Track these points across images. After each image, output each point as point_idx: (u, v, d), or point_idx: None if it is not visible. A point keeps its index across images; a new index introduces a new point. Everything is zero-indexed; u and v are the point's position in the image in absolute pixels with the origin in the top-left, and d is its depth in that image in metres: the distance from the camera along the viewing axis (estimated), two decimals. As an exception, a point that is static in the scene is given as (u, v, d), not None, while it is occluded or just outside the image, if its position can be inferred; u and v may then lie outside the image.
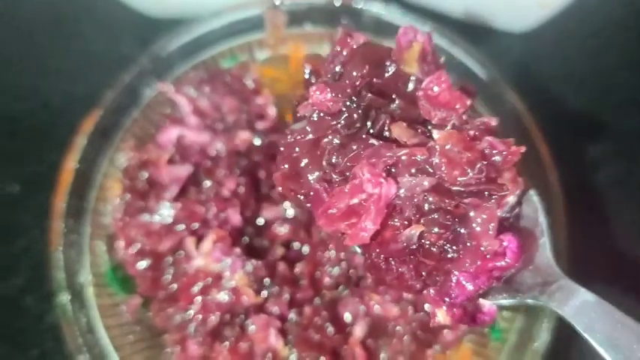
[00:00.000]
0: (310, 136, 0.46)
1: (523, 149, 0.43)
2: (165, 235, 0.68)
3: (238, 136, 0.74)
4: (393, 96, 0.46)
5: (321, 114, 0.46)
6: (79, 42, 0.99)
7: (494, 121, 0.45)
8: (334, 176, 0.45)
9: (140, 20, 0.96)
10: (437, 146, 0.42)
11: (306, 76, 0.50)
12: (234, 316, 0.67)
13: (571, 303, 0.42)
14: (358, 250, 0.50)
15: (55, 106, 0.95)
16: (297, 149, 0.46)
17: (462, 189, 0.42)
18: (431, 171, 0.42)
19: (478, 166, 0.42)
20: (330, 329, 0.69)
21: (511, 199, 0.45)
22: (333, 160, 0.45)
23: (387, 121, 0.45)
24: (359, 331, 0.68)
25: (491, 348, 0.67)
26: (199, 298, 0.66)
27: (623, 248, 0.84)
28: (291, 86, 0.79)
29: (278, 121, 0.78)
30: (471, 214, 0.42)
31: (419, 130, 0.44)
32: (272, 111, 0.78)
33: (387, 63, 0.46)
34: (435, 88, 0.43)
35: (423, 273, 0.44)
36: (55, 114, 0.94)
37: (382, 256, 0.44)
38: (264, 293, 0.68)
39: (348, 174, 0.44)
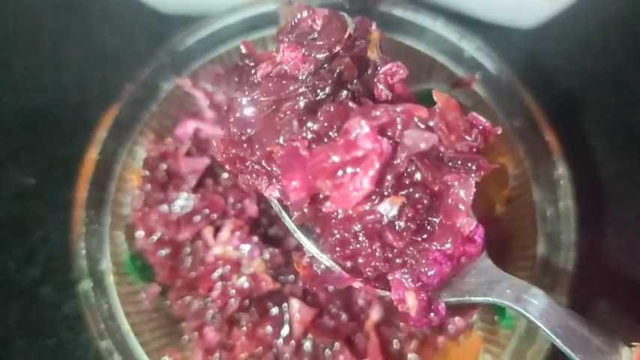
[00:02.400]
0: (271, 97, 0.42)
1: (500, 130, 0.43)
2: (184, 225, 0.70)
3: (253, 129, 0.76)
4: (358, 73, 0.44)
5: (284, 76, 0.43)
6: (93, 38, 1.00)
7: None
8: (309, 136, 0.41)
9: (154, 17, 0.97)
10: (436, 107, 0.41)
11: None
12: (252, 302, 0.69)
13: (524, 297, 0.42)
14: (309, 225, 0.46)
15: (71, 101, 0.96)
16: (251, 112, 0.43)
17: (454, 156, 0.41)
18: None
19: (475, 132, 0.41)
20: (344, 316, 0.71)
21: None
22: (307, 123, 0.41)
23: (349, 97, 0.43)
24: (375, 314, 0.70)
25: (502, 335, 0.68)
26: (219, 284, 0.68)
27: (628, 241, 0.85)
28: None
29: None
30: (455, 184, 0.41)
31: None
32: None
33: (356, 38, 0.45)
34: (395, 76, 0.44)
35: (390, 255, 0.42)
36: (71, 108, 0.95)
37: (352, 230, 0.41)
38: (281, 279, 0.70)
39: (327, 136, 0.41)
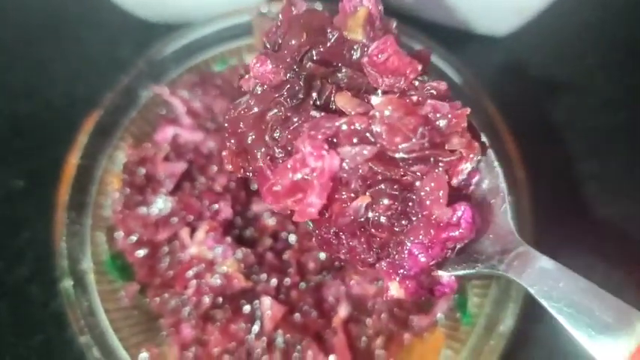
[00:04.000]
0: (255, 109, 0.44)
1: (468, 110, 0.41)
2: (161, 226, 0.73)
3: (229, 135, 0.79)
4: (340, 65, 0.44)
5: (264, 87, 0.44)
6: (78, 45, 1.03)
7: (443, 85, 0.43)
8: (277, 151, 0.43)
9: (137, 24, 0.99)
10: (376, 113, 0.40)
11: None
12: (225, 300, 0.72)
13: (529, 271, 0.40)
14: (311, 225, 0.48)
15: (57, 106, 0.99)
16: (241, 124, 0.45)
17: (406, 156, 0.40)
18: (372, 140, 0.40)
19: (420, 131, 0.40)
20: (314, 313, 0.74)
21: (467, 166, 0.42)
22: (276, 135, 0.43)
23: (334, 91, 0.42)
24: (343, 311, 0.73)
25: (462, 331, 0.71)
26: (194, 282, 0.70)
27: (596, 246, 0.87)
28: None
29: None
30: (418, 183, 0.41)
31: (365, 100, 0.42)
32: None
33: (329, 30, 0.44)
34: (382, 55, 0.41)
35: (375, 246, 0.43)
36: (57, 114, 0.98)
37: (332, 230, 0.43)
38: (254, 278, 0.73)
39: (290, 148, 0.42)
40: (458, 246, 0.44)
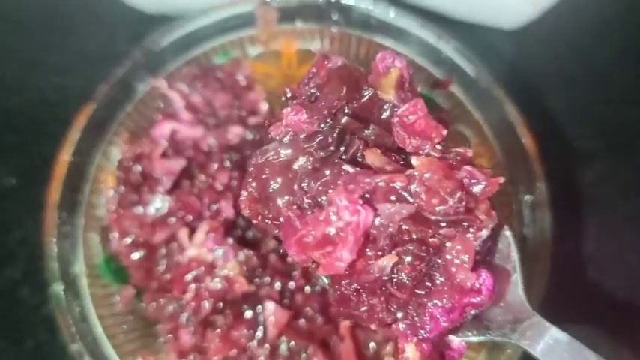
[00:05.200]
0: (282, 158, 0.45)
1: (502, 180, 0.43)
2: (158, 227, 0.70)
3: (230, 131, 0.76)
4: (369, 122, 0.45)
5: (294, 136, 0.45)
6: (73, 37, 1.00)
7: (469, 152, 0.44)
8: (305, 201, 0.44)
9: (134, 16, 0.96)
10: (416, 173, 0.41)
11: (286, 97, 0.49)
12: (226, 305, 0.68)
13: (542, 342, 0.41)
14: (326, 280, 0.49)
15: (50, 101, 0.96)
16: (267, 171, 0.45)
17: (441, 218, 0.41)
18: (409, 199, 0.41)
19: (458, 195, 0.41)
20: (320, 319, 0.71)
21: (484, 233, 0.43)
22: (304, 185, 0.44)
23: (361, 147, 0.44)
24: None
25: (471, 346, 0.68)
26: (193, 286, 0.68)
27: (608, 245, 0.85)
28: (283, 82, 0.81)
29: (270, 117, 0.79)
30: (447, 245, 0.42)
31: (393, 158, 0.44)
32: (264, 106, 0.80)
33: (364, 87, 0.45)
34: (411, 117, 0.43)
35: (394, 306, 0.43)
36: (50, 108, 0.95)
37: (353, 286, 0.43)
38: (257, 282, 0.70)
39: (320, 200, 0.43)
40: (474, 312, 0.44)
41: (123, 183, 0.71)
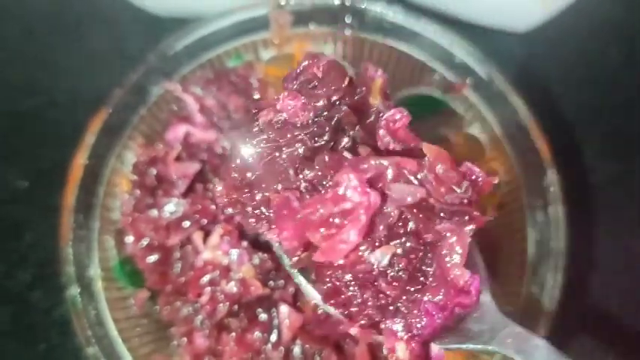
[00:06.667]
0: (270, 144, 0.44)
1: (496, 180, 0.43)
2: (173, 230, 0.70)
3: (244, 134, 0.76)
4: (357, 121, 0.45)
5: (286, 123, 0.44)
6: (84, 40, 1.00)
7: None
8: (303, 185, 0.43)
9: (145, 18, 0.96)
10: (426, 160, 0.41)
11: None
12: (241, 308, 0.68)
13: (524, 348, 0.41)
14: (303, 280, 0.48)
15: (61, 104, 0.96)
16: (250, 158, 0.44)
17: (446, 207, 0.41)
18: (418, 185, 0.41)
19: (465, 185, 0.41)
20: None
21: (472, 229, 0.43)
22: (303, 171, 0.43)
23: (350, 143, 0.44)
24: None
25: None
26: (208, 289, 0.67)
27: (618, 249, 0.85)
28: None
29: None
30: (447, 236, 0.41)
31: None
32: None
33: (358, 86, 0.46)
34: (397, 123, 0.44)
35: (384, 302, 0.42)
36: (61, 111, 0.95)
37: (346, 277, 0.42)
38: (271, 285, 0.70)
39: (321, 185, 0.42)
40: (457, 317, 0.44)
41: (138, 186, 0.71)
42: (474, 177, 0.42)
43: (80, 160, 0.70)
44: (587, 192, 0.88)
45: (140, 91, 0.74)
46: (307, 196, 0.43)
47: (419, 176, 0.41)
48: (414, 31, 0.75)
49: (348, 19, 0.76)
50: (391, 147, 0.44)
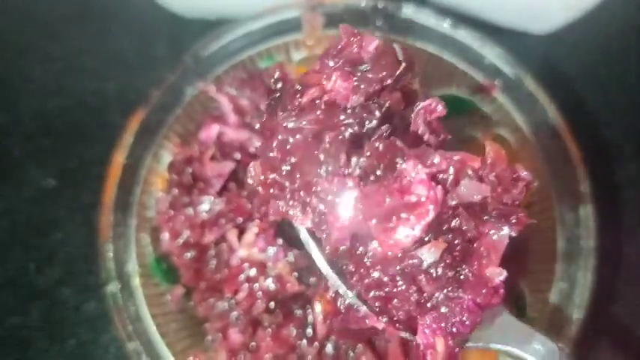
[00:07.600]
0: (317, 125, 0.41)
1: (536, 182, 0.44)
2: (208, 228, 0.71)
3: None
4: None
5: (331, 105, 0.42)
6: (110, 41, 1.01)
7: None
8: (357, 172, 0.41)
9: (172, 20, 0.97)
10: (489, 159, 0.40)
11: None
12: (277, 304, 0.69)
13: (539, 349, 0.42)
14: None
15: (88, 104, 0.97)
16: (291, 139, 0.41)
17: (501, 207, 0.40)
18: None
19: (521, 185, 0.41)
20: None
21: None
22: (353, 159, 0.41)
23: (387, 133, 0.42)
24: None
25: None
26: (246, 286, 0.68)
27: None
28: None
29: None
30: (490, 233, 0.41)
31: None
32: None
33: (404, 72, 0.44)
34: (434, 113, 0.43)
35: (425, 297, 0.42)
36: (88, 112, 0.96)
37: (391, 271, 0.41)
38: (305, 281, 0.71)
39: (374, 174, 0.40)
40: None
41: (175, 185, 0.72)
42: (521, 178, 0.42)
43: (119, 159, 0.71)
44: (613, 191, 0.88)
45: (176, 92, 0.75)
46: (361, 184, 0.40)
47: (481, 173, 0.40)
48: (443, 34, 0.76)
49: (379, 22, 0.77)
50: (426, 137, 0.43)
